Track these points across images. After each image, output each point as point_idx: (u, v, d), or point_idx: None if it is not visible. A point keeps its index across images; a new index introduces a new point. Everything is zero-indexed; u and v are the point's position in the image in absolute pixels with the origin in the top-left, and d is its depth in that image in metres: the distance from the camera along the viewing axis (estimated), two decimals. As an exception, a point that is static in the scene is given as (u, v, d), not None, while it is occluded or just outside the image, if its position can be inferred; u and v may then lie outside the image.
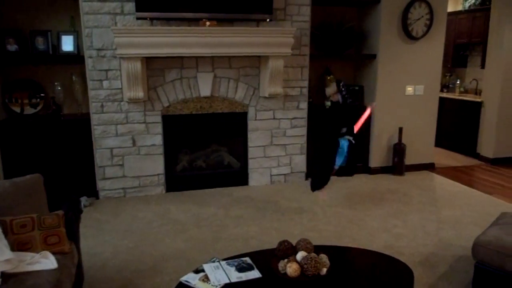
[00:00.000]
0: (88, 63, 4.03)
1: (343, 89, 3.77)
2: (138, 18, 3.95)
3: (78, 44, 4.20)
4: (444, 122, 6.38)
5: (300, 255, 2.12)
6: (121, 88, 4.13)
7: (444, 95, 6.55)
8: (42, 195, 2.39)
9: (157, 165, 4.38)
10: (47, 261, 2.05)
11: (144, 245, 3.26)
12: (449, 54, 6.64)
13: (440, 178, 5.05)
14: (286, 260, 2.12)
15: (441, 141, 6.44)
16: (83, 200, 4.03)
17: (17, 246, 2.07)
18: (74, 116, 4.29)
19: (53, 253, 2.11)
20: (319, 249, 2.28)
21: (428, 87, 5.17)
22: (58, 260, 2.07)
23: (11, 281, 1.89)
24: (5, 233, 2.04)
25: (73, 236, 2.38)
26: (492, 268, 2.44)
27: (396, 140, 5.11)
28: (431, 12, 4.92)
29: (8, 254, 1.94)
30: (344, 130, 3.84)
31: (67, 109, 4.39)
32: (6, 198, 2.24)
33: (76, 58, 4.18)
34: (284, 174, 4.81)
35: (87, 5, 3.90)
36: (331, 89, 3.80)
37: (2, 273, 1.91)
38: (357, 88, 5.15)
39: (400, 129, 5.04)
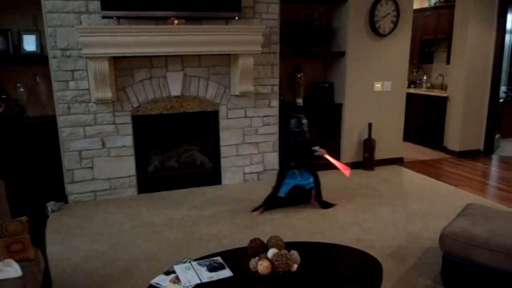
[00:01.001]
0: (53, 63, 3.91)
1: (303, 125, 3.73)
2: (104, 17, 3.86)
3: (41, 43, 4.07)
4: (412, 117, 6.55)
5: (271, 252, 2.13)
6: (88, 89, 4.03)
7: (412, 90, 6.72)
8: (3, 201, 2.31)
9: (128, 167, 4.30)
10: (10, 269, 1.98)
11: (115, 249, 3.20)
12: (416, 50, 6.81)
13: (409, 172, 5.18)
14: (257, 258, 2.13)
15: (409, 136, 6.60)
16: (51, 205, 3.92)
17: (-22, 255, 1.99)
18: (39, 119, 4.15)
19: (17, 261, 2.05)
20: (290, 245, 2.29)
21: (396, 83, 5.29)
22: (22, 268, 2.01)
23: (-28, 292, 1.83)
24: (-35, 242, 1.96)
25: (39, 242, 2.31)
26: (459, 259, 2.52)
27: (366, 136, 5.20)
28: (397, 9, 5.03)
29: (-32, 263, 1.87)
30: (292, 164, 3.87)
31: (31, 111, 4.25)
32: (-34, 205, 2.16)
33: (40, 58, 4.05)
34: (257, 172, 4.82)
35: (50, 3, 3.78)
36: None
37: (-38, 283, 1.84)
38: (327, 85, 5.21)
39: (370, 125, 5.13)
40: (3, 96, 4.11)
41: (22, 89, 4.09)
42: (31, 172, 4.03)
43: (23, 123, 4.01)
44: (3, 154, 3.93)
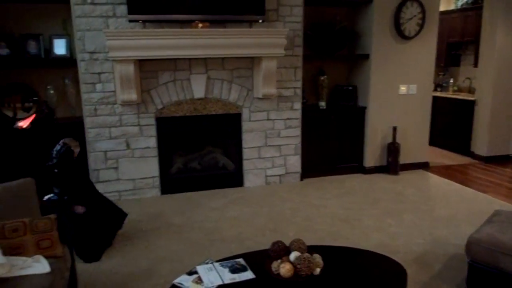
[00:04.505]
0: (81, 66, 4.01)
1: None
2: (130, 21, 3.94)
3: (70, 47, 4.19)
4: (438, 121, 6.42)
5: (293, 255, 2.12)
6: (114, 91, 4.12)
7: (438, 94, 6.59)
8: (34, 199, 2.38)
9: (152, 168, 4.37)
10: (39, 265, 2.04)
11: (138, 248, 3.25)
12: (442, 53, 6.68)
13: (434, 177, 5.07)
14: (279, 260, 2.12)
15: (435, 140, 6.46)
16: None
17: (9, 250, 2.06)
18: (67, 120, 4.27)
19: (46, 257, 2.11)
20: (312, 249, 2.28)
21: (422, 86, 5.20)
22: (51, 264, 2.06)
23: (4, 286, 1.88)
24: (-3, 238, 2.03)
25: (66, 239, 2.37)
26: (485, 266, 2.45)
27: (390, 140, 5.13)
28: (423, 11, 4.95)
29: (0, 258, 1.93)
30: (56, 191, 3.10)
31: (60, 113, 4.38)
32: (-2, 202, 2.23)
33: (69, 62, 4.17)
34: (279, 175, 4.81)
35: (79, 8, 3.89)
36: None
37: (-6, 278, 1.90)
38: (350, 88, 5.16)
39: (394, 128, 5.06)
40: (35, 98, 4.25)
41: (52, 91, 4.22)
42: (59, 171, 4.14)
43: (53, 124, 4.13)
44: (34, 153, 4.06)
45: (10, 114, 4.17)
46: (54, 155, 3.07)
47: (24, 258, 2.07)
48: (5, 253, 2.00)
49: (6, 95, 4.16)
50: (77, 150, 3.18)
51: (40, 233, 2.15)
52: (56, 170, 3.03)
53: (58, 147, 3.12)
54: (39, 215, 2.34)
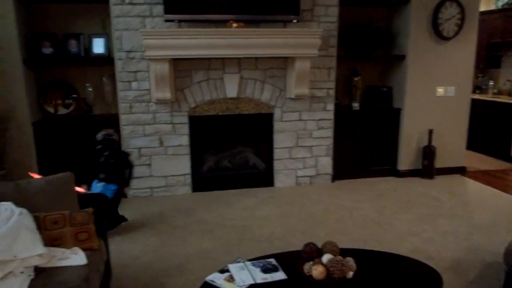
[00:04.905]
0: (118, 65, 4.12)
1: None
2: (166, 21, 4.01)
3: (108, 46, 4.31)
4: (476, 124, 6.18)
5: (326, 257, 2.10)
6: (149, 89, 4.21)
7: (476, 96, 6.36)
8: (73, 192, 2.46)
9: (184, 165, 4.43)
10: (77, 257, 2.10)
11: (170, 244, 3.30)
12: (482, 54, 6.44)
13: (472, 182, 4.89)
14: (311, 262, 2.10)
15: (473, 144, 6.24)
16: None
17: (49, 241, 2.13)
18: (104, 117, 4.39)
19: (83, 250, 2.17)
20: (345, 252, 2.24)
21: (460, 88, 5.03)
22: (87, 257, 2.12)
23: (43, 275, 1.95)
24: (39, 229, 2.11)
25: (102, 233, 2.44)
26: (526, 276, 2.35)
27: (426, 143, 4.99)
28: (462, 11, 4.79)
29: (41, 249, 2.00)
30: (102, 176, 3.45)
31: (97, 110, 4.51)
32: (41, 195, 2.31)
33: (107, 60, 4.29)
34: (310, 176, 4.77)
35: (118, 8, 3.99)
36: None
37: (35, 267, 1.98)
38: (385, 89, 5.06)
39: (430, 131, 4.91)
40: (74, 95, 4.39)
41: (90, 89, 4.35)
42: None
43: (90, 120, 4.26)
44: (73, 148, 4.20)
45: (51, 110, 4.33)
46: (99, 139, 3.42)
47: (63, 249, 2.14)
48: (45, 244, 2.07)
49: (48, 92, 4.32)
50: (116, 137, 3.51)
51: (78, 225, 2.22)
52: (105, 154, 3.40)
53: (99, 135, 3.47)
54: (78, 208, 2.41)
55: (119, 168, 3.48)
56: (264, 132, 4.61)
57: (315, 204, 4.15)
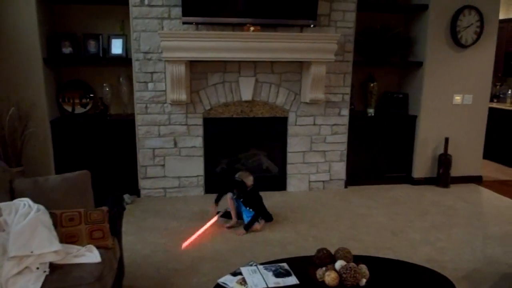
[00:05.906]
0: (135, 65, 4.16)
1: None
2: (184, 23, 4.04)
3: (126, 47, 4.36)
4: (493, 133, 6.09)
5: (339, 264, 2.08)
6: (165, 90, 4.24)
7: (494, 105, 6.26)
8: (89, 190, 2.49)
9: (197, 167, 4.45)
10: (91, 255, 2.12)
11: (182, 245, 3.31)
12: (500, 62, 6.34)
13: (488, 192, 4.81)
14: (324, 268, 2.09)
15: (489, 153, 6.14)
16: (126, 197, 4.16)
17: (65, 238, 2.16)
18: (120, 117, 4.45)
19: (97, 247, 2.19)
20: (358, 259, 2.23)
21: (477, 96, 4.96)
22: (101, 254, 2.14)
23: (58, 272, 1.98)
24: (55, 226, 2.14)
25: (116, 232, 2.46)
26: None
27: (441, 151, 4.93)
28: (481, 19, 4.73)
29: (57, 245, 2.03)
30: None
31: (113, 110, 4.56)
32: (57, 192, 2.35)
33: (124, 61, 4.34)
34: (323, 181, 4.75)
35: (137, 10, 4.04)
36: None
37: (51, 263, 2.00)
38: (401, 96, 5.02)
39: (446, 139, 4.85)
40: (91, 95, 4.45)
41: (107, 89, 4.40)
42: (111, 165, 4.32)
43: (106, 120, 4.31)
44: (89, 147, 4.26)
45: (69, 109, 4.40)
46: (232, 183, 3.72)
47: (78, 246, 2.16)
48: (61, 241, 2.10)
49: (66, 91, 4.39)
50: (249, 181, 3.73)
51: (93, 223, 2.25)
52: (235, 192, 3.70)
53: (237, 175, 3.74)
54: (93, 206, 2.44)
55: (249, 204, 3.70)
56: (278, 136, 4.61)
57: (327, 210, 4.12)
